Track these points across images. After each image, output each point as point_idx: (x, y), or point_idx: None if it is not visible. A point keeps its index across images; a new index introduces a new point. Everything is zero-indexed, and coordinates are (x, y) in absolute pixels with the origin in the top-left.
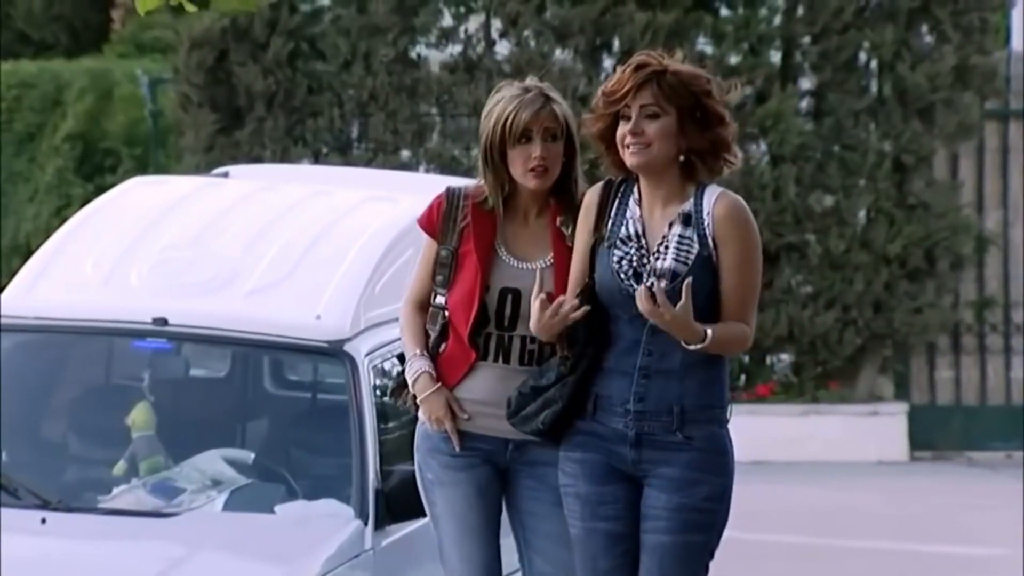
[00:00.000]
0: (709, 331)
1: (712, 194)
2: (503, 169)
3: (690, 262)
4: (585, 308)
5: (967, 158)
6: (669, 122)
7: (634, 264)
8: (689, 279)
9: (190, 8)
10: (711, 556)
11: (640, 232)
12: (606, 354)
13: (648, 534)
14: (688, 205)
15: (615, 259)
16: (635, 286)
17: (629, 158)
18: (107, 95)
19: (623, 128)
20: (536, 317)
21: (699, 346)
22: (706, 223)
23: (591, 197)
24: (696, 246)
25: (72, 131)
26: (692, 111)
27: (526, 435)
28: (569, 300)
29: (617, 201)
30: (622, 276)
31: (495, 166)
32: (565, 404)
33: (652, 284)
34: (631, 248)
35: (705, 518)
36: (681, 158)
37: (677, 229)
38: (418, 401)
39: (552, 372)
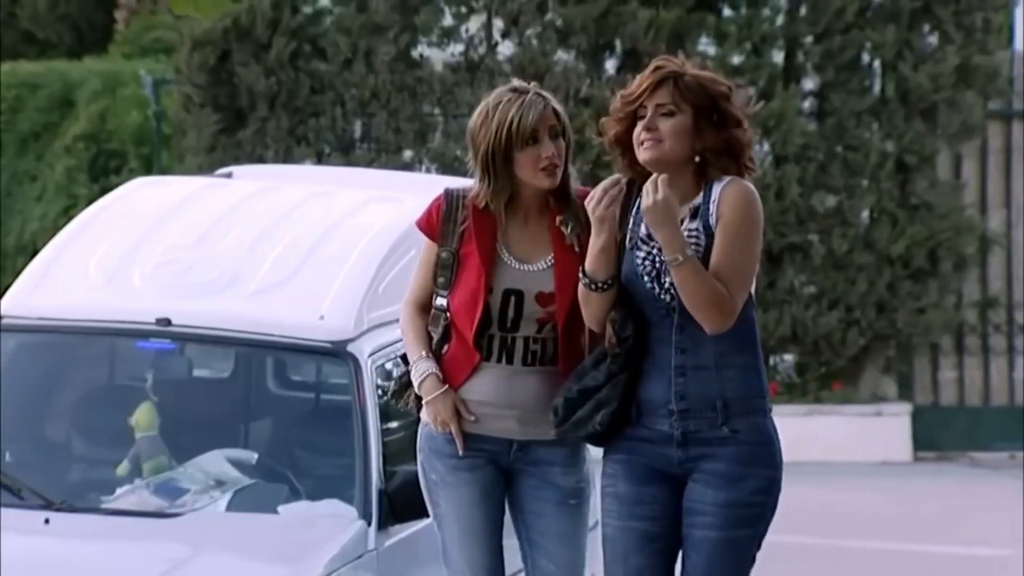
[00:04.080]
0: (691, 251)
1: (720, 183)
2: (507, 174)
3: (699, 255)
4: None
5: (970, 158)
6: (684, 120)
7: (656, 264)
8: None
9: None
10: (759, 547)
11: None
12: (641, 356)
13: (695, 529)
14: (698, 199)
15: (639, 259)
16: (656, 287)
17: (642, 153)
18: (120, 97)
19: (639, 126)
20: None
21: (679, 255)
22: (711, 212)
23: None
24: (703, 237)
25: (84, 131)
26: (708, 112)
27: (576, 438)
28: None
29: (637, 202)
30: (645, 276)
31: (499, 172)
32: (621, 403)
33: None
34: (652, 247)
35: (753, 512)
36: (696, 159)
37: (688, 223)
38: (424, 403)
39: (598, 373)
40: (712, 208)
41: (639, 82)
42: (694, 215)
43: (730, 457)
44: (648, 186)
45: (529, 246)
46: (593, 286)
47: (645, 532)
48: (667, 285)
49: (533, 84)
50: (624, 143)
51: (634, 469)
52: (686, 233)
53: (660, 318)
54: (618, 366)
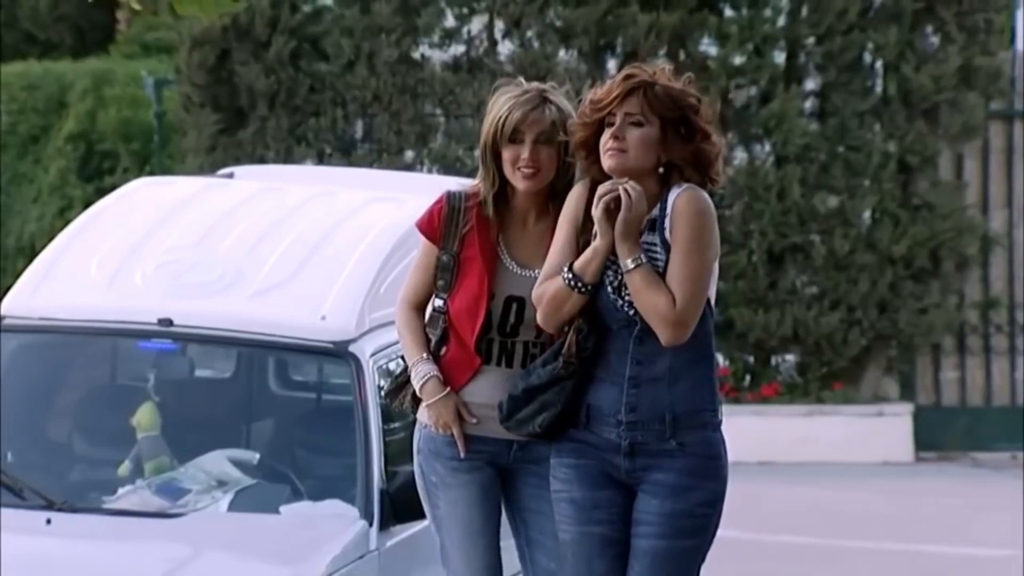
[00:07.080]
0: (643, 258)
1: (676, 191)
2: (495, 167)
3: (659, 269)
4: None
5: (972, 159)
6: (651, 131)
7: (619, 275)
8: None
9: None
10: (703, 560)
11: None
12: (595, 363)
13: (640, 539)
14: (656, 211)
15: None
16: (618, 298)
17: (606, 161)
18: (107, 95)
19: (606, 134)
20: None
21: (632, 263)
22: (666, 225)
23: (580, 192)
24: (662, 252)
25: (73, 132)
26: (676, 124)
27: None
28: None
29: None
30: (608, 287)
31: (487, 164)
32: (563, 408)
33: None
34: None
35: (698, 523)
36: (660, 169)
37: (646, 236)
38: (426, 406)
39: (543, 372)
40: (667, 221)
41: (609, 89)
42: (652, 228)
43: (678, 469)
44: (621, 193)
45: (530, 251)
46: (578, 287)
47: (603, 536)
48: (628, 298)
49: (549, 85)
50: (590, 147)
51: (587, 474)
52: (645, 247)
53: (620, 328)
54: (567, 371)
